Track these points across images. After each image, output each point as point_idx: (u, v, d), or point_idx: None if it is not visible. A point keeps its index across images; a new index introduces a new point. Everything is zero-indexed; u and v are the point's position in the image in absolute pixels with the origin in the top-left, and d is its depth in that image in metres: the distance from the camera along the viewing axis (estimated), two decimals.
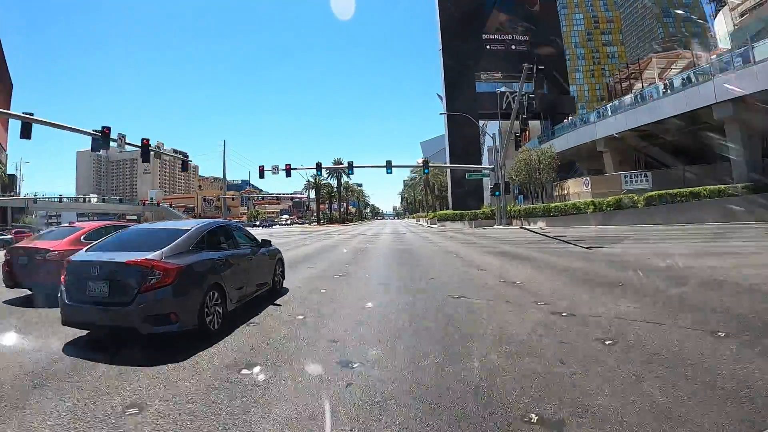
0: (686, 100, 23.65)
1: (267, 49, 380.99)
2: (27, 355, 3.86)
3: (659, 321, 4.23)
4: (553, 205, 27.42)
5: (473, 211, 34.55)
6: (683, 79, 25.03)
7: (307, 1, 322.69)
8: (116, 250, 4.20)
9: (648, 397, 2.58)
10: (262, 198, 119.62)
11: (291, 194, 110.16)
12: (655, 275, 6.93)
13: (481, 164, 41.42)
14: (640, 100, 27.25)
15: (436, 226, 40.48)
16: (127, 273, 3.82)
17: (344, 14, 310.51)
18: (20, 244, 7.16)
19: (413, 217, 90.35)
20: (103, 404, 2.71)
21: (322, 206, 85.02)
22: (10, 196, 54.79)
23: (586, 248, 12.02)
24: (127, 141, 22.53)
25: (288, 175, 30.31)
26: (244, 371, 3.25)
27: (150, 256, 3.91)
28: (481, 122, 47.58)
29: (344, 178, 78.19)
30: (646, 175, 27.82)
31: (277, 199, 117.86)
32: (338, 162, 58.52)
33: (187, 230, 4.61)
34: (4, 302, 6.27)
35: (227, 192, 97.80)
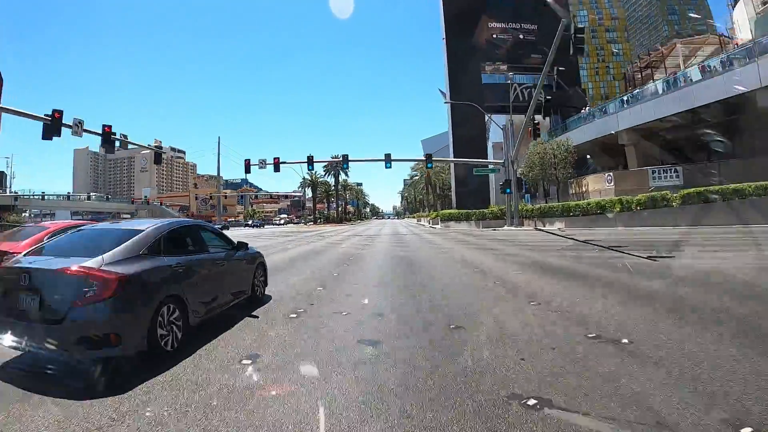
0: (724, 85, 20.71)
1: (266, 49, 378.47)
2: None
3: None
4: (573, 203, 24.40)
5: (481, 210, 31.45)
6: (722, 60, 22.07)
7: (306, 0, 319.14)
8: (56, 255, 3.57)
9: None
10: (256, 196, 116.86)
11: (291, 193, 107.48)
12: None
13: (486, 160, 38.35)
14: (672, 86, 24.22)
15: (438, 226, 37.51)
16: (59, 283, 3.21)
17: (343, 13, 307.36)
18: None
19: (413, 217, 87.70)
20: None
21: (320, 205, 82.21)
22: None
23: (648, 259, 9.05)
24: (86, 128, 19.65)
25: (276, 169, 27.39)
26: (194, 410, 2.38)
27: (88, 263, 3.27)
28: (486, 116, 44.60)
29: (342, 176, 75.37)
30: (676, 171, 24.83)
31: (271, 197, 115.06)
32: (340, 164, 55.32)
33: (140, 231, 3.92)
34: None
35: (223, 191, 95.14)
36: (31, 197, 63.04)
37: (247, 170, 27.74)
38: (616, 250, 11.38)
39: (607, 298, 5.39)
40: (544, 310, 4.87)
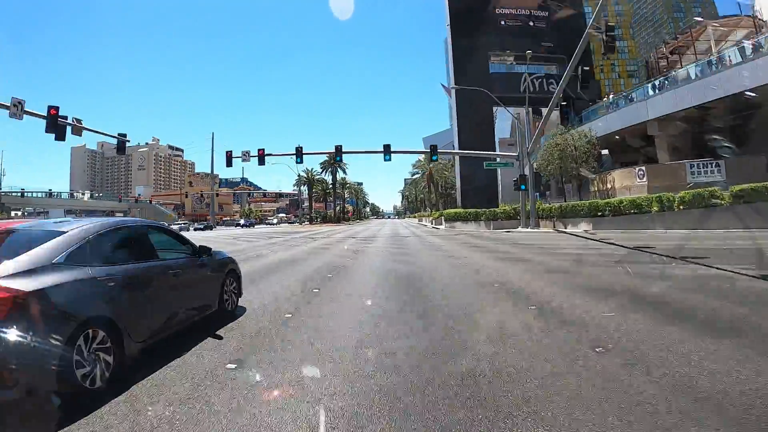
0: None
1: (266, 49, 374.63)
2: None
3: None
4: (602, 202, 21.16)
5: (491, 209, 28.14)
6: None
7: (305, 0, 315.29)
8: None
9: None
10: (250, 194, 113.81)
11: (287, 191, 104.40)
12: None
13: (497, 153, 35.11)
14: (714, 67, 20.99)
15: (442, 226, 34.30)
16: None
17: (343, 14, 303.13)
18: None
19: (415, 217, 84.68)
20: None
21: (317, 204, 79.12)
22: None
23: (762, 278, 5.88)
24: (26, 109, 16.55)
25: (261, 162, 24.24)
26: None
27: None
28: (493, 109, 41.36)
29: (341, 174, 72.23)
30: (717, 165, 21.62)
31: (265, 195, 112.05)
32: (333, 157, 51.85)
33: (61, 233, 2.98)
34: None
35: (219, 189, 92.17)
36: (11, 194, 60.47)
37: (229, 163, 24.58)
38: (694, 262, 8.28)
39: None
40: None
